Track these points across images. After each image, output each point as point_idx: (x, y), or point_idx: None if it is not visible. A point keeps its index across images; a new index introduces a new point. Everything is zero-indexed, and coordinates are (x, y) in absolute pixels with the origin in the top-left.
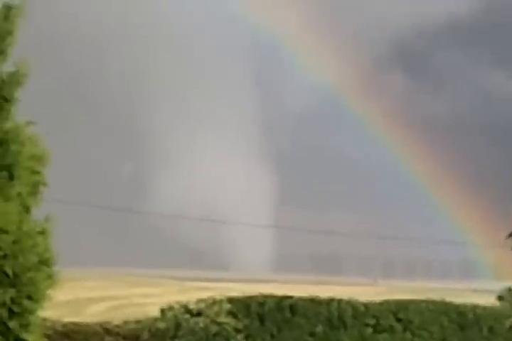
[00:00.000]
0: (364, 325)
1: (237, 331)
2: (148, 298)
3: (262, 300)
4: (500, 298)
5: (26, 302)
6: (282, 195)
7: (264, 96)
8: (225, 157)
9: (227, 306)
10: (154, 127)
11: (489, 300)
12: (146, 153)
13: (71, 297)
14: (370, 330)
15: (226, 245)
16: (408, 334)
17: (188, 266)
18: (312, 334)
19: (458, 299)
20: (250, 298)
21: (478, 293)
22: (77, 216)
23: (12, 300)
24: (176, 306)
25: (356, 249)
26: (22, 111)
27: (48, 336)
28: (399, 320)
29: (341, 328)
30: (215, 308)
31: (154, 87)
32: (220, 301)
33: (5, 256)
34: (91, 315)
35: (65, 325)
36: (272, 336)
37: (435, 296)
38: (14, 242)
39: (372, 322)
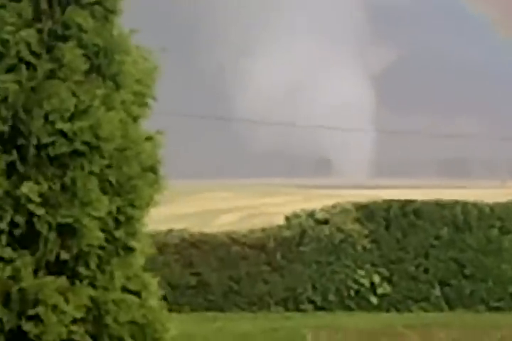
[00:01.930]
0: (489, 226)
1: (363, 237)
2: (276, 207)
3: (386, 205)
4: None
5: (130, 211)
6: (401, 100)
7: None
8: (320, 55)
9: (353, 213)
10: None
11: None
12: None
13: (199, 208)
14: (495, 232)
15: (338, 151)
16: None
17: (292, 174)
18: (437, 238)
19: None
20: (375, 203)
21: None
22: (170, 127)
23: (118, 209)
24: (301, 214)
25: (483, 151)
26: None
27: (175, 245)
28: None
29: (466, 231)
30: (341, 215)
31: None
32: (346, 208)
33: (109, 166)
34: (220, 225)
35: (192, 235)
36: (398, 241)
37: None
38: (118, 150)
39: (498, 223)
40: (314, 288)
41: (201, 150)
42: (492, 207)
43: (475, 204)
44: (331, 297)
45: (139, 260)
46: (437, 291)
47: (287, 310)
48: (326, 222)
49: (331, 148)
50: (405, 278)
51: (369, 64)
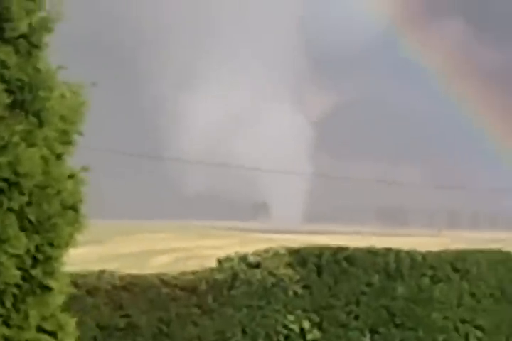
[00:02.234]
0: (421, 275)
1: (295, 282)
2: (212, 249)
3: (319, 251)
4: None
5: (49, 249)
6: (341, 146)
7: (313, 33)
8: (260, 99)
9: (286, 257)
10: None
11: None
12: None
13: (135, 249)
14: (427, 281)
15: (275, 195)
16: (465, 285)
17: (228, 217)
18: (369, 285)
19: None
20: (307, 248)
21: None
22: (105, 165)
23: (36, 247)
24: (234, 257)
25: (421, 199)
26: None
27: (105, 290)
28: (456, 271)
29: (398, 279)
30: (274, 260)
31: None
32: (279, 252)
33: (29, 203)
34: (155, 267)
35: (122, 278)
36: (329, 287)
37: (497, 246)
38: (39, 187)
39: (430, 272)
40: (244, 332)
41: (138, 189)
42: (424, 256)
43: (408, 253)
44: None
45: (56, 299)
46: (367, 339)
47: None
48: (258, 265)
49: (267, 191)
50: (335, 325)
51: (310, 108)
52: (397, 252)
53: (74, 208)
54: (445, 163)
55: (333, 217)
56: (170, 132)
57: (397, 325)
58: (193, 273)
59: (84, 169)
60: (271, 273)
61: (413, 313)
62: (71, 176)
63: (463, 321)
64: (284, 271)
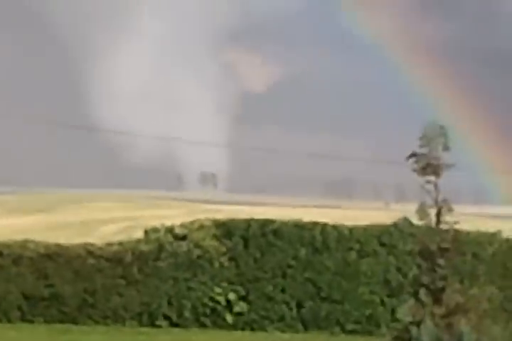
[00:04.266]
0: (348, 249)
1: (221, 254)
2: (160, 219)
3: (246, 224)
4: None
5: None
6: (291, 121)
7: None
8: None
9: (212, 230)
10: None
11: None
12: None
13: (81, 218)
14: (353, 255)
15: (219, 166)
16: (392, 259)
17: (170, 188)
18: (295, 258)
19: (466, 224)
20: (233, 221)
21: (486, 218)
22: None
23: None
24: (160, 228)
25: (366, 173)
26: None
27: (30, 258)
28: (383, 245)
29: (325, 252)
30: (200, 232)
31: None
32: (205, 224)
33: None
34: (99, 237)
35: (47, 247)
36: (255, 259)
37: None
38: None
39: (357, 246)
40: (170, 303)
41: (78, 160)
42: (351, 230)
43: (334, 227)
44: (187, 313)
45: None
46: (293, 312)
47: (142, 325)
48: (184, 237)
49: (211, 162)
50: (262, 298)
51: (252, 77)
52: (324, 226)
53: None
54: (391, 136)
55: (283, 189)
56: (95, 102)
57: (323, 299)
58: (119, 243)
59: None
60: (197, 245)
61: (339, 287)
62: None
63: (389, 296)
64: (210, 242)
